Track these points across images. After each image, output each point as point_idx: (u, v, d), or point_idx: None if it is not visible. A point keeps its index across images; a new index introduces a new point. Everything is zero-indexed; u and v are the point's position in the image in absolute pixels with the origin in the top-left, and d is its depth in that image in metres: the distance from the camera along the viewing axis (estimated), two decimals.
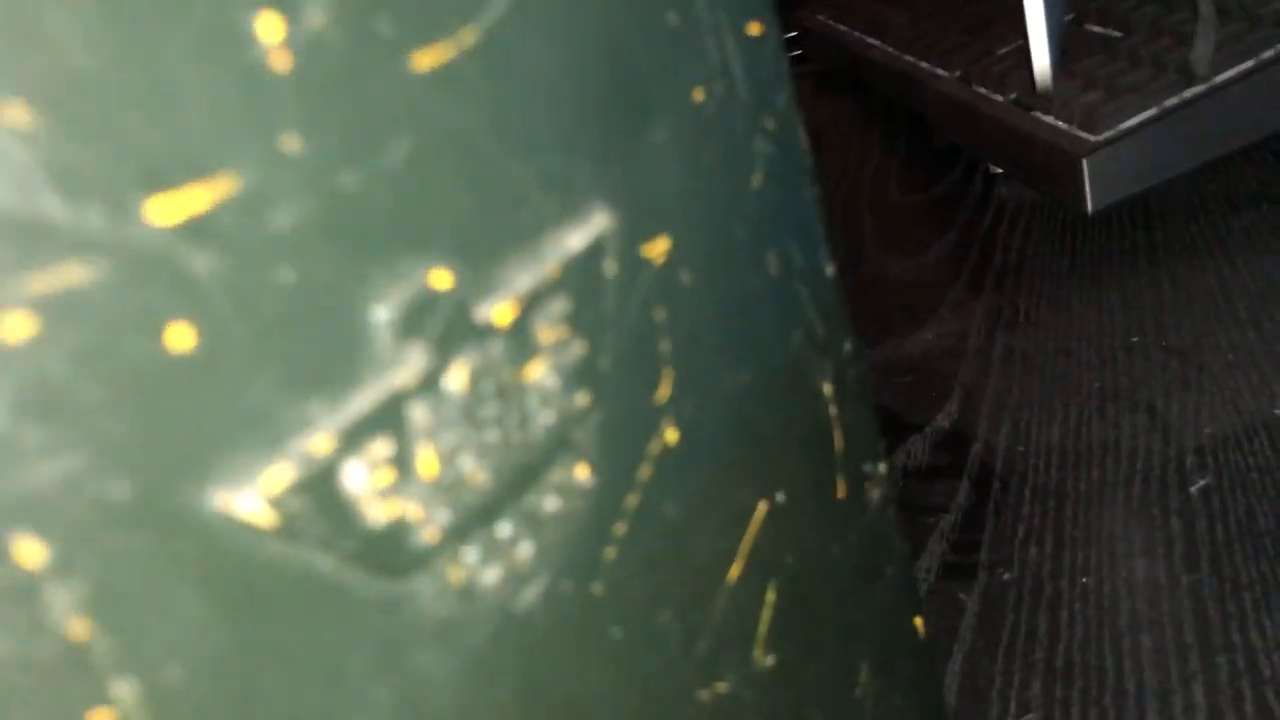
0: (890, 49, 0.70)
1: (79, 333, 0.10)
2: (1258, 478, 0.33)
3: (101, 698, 0.10)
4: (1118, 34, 0.55)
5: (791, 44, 0.87)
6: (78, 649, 0.10)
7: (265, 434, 0.11)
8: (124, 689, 0.10)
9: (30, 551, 0.10)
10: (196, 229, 0.10)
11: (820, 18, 0.83)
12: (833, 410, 0.20)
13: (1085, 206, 0.48)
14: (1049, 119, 0.51)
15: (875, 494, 0.21)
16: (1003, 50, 0.60)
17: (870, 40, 0.73)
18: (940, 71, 0.63)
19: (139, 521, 0.10)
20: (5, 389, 0.09)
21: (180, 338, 0.10)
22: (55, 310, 0.10)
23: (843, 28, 0.78)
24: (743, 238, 0.17)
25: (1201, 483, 0.34)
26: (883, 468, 0.22)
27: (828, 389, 0.20)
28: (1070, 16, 0.59)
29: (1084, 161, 0.47)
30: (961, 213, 0.57)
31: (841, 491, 0.20)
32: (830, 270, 0.20)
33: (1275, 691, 0.27)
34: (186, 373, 0.11)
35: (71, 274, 0.10)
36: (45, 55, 0.09)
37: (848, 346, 0.20)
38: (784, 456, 0.18)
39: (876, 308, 0.52)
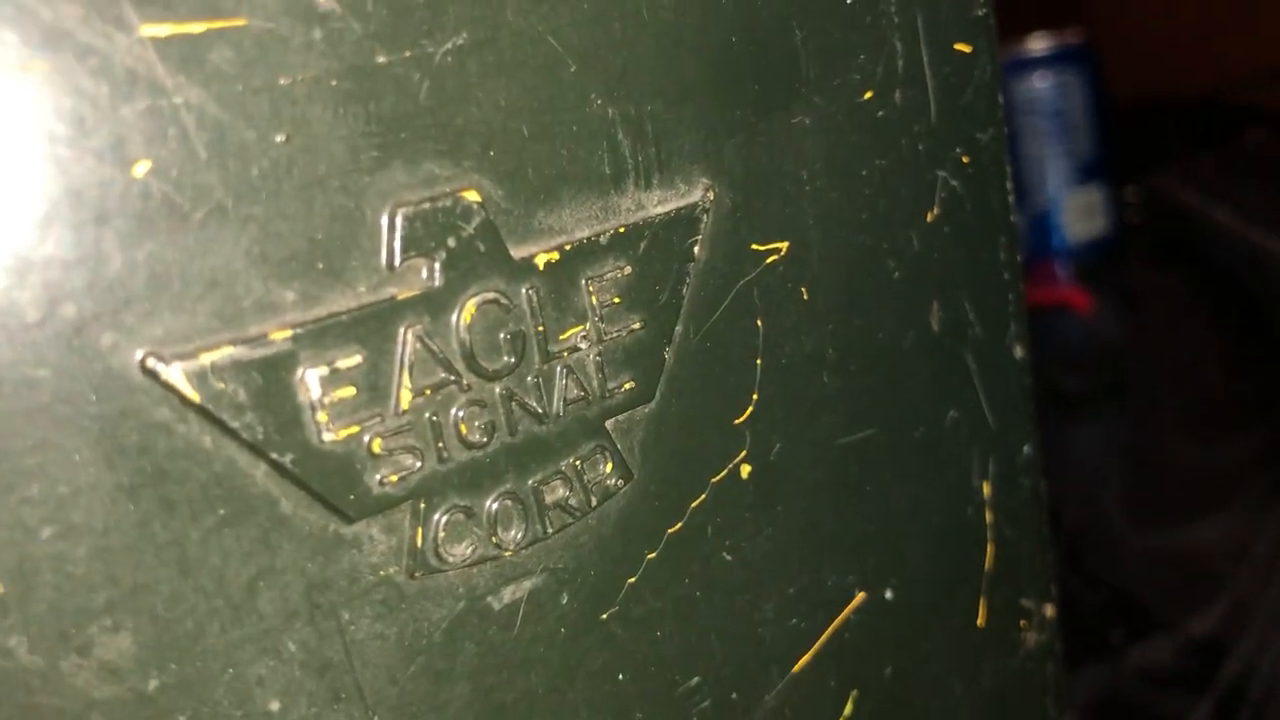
0: (1233, 220, 0.63)
1: None
2: None
3: None
4: None
5: (1141, 209, 0.82)
6: None
7: (219, 302, 0.10)
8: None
9: None
10: (186, 56, 0.10)
11: (1166, 181, 0.77)
12: (989, 517, 0.16)
13: None
14: None
15: (1031, 639, 0.17)
16: None
17: (1214, 208, 0.66)
18: None
19: None
20: None
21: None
22: None
23: (1189, 192, 0.72)
24: (898, 275, 0.15)
25: None
26: (1049, 610, 0.18)
27: (986, 489, 0.16)
28: None
29: None
30: None
31: (981, 618, 0.17)
32: (1019, 354, 0.17)
33: None
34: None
35: None
36: None
37: (1026, 451, 0.17)
38: (903, 545, 0.15)
39: (1157, 488, 0.45)
